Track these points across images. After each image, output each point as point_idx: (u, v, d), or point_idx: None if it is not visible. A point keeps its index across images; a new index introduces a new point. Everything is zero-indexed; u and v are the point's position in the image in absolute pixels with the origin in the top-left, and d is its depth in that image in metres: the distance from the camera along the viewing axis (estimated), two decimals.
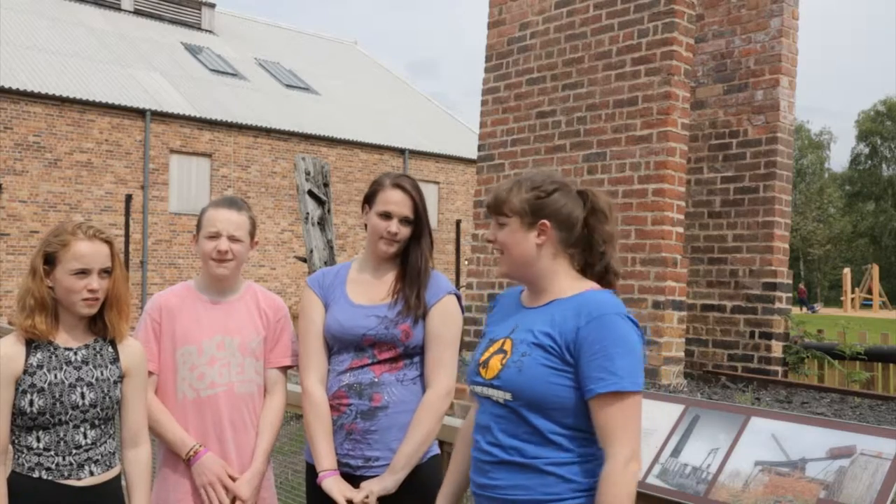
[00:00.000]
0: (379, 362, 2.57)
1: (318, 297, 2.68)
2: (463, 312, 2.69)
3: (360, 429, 2.55)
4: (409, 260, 2.64)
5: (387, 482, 2.48)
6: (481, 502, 2.09)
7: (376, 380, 2.56)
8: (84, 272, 2.34)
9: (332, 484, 2.49)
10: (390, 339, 2.56)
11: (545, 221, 2.04)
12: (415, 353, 2.61)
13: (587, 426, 1.98)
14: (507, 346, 2.04)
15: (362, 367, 2.57)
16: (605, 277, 2.11)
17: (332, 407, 2.59)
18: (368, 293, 2.64)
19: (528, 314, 2.09)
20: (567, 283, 2.08)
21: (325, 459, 2.54)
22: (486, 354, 2.08)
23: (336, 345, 2.63)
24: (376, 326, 2.56)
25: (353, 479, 2.54)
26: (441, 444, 2.80)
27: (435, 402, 2.54)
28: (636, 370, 1.93)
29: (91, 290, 2.35)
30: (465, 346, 5.52)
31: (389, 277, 2.65)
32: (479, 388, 2.09)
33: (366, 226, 2.67)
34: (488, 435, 2.04)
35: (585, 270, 2.11)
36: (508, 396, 1.98)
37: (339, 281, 2.70)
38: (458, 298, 2.67)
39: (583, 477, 1.98)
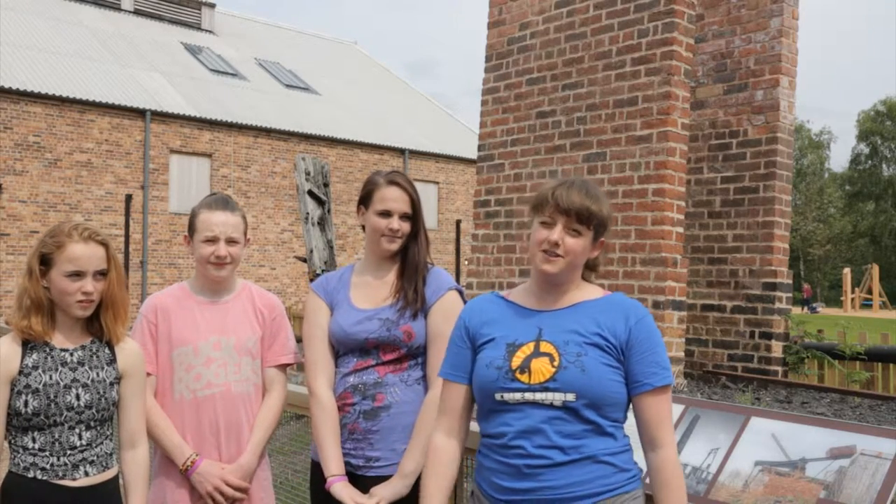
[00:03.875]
0: (383, 363, 2.57)
1: (323, 301, 2.68)
2: None
3: (362, 428, 2.55)
4: (407, 256, 2.64)
5: (398, 487, 2.47)
6: None
7: (380, 380, 2.56)
8: (78, 274, 2.32)
9: (342, 489, 2.48)
10: (392, 341, 2.56)
11: (604, 240, 2.16)
12: (419, 354, 2.60)
13: (624, 418, 2.10)
14: (550, 349, 2.05)
15: (367, 368, 2.57)
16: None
17: (337, 408, 2.60)
18: (371, 296, 2.64)
19: (554, 316, 2.11)
20: (587, 286, 2.19)
21: (334, 464, 2.53)
22: (517, 360, 2.06)
23: (341, 348, 2.63)
24: (378, 329, 2.56)
25: (355, 479, 2.54)
26: None
27: (438, 402, 2.53)
28: (669, 365, 2.11)
29: (85, 293, 2.33)
30: None
31: (391, 277, 2.65)
32: (518, 395, 2.03)
33: (363, 227, 2.67)
34: (539, 438, 2.01)
35: None
36: (571, 397, 1.99)
37: (342, 285, 2.70)
38: (461, 293, 2.66)
39: (630, 464, 2.09)
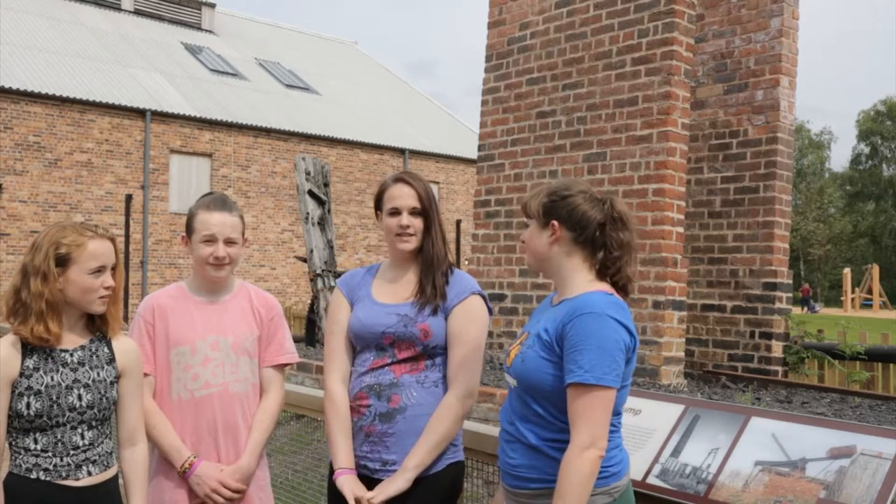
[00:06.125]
0: (399, 362, 2.55)
1: (345, 297, 2.69)
2: (491, 313, 2.67)
3: (378, 431, 2.53)
4: (423, 251, 2.63)
5: (398, 482, 2.46)
6: (504, 478, 2.28)
7: (396, 381, 2.54)
8: (100, 270, 2.38)
9: (345, 483, 2.48)
10: (408, 338, 2.54)
11: (554, 222, 2.25)
12: (436, 354, 2.58)
13: None
14: (524, 339, 2.29)
15: (383, 367, 2.56)
16: (619, 283, 2.25)
17: (353, 408, 2.58)
18: (393, 292, 2.64)
19: (549, 312, 2.29)
20: (580, 284, 2.24)
21: (342, 458, 2.53)
22: (513, 347, 2.33)
23: (359, 344, 2.63)
24: (395, 324, 2.55)
25: (371, 482, 2.52)
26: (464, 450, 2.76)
27: (453, 404, 2.51)
28: (602, 365, 2.06)
29: (107, 287, 2.39)
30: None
31: (413, 276, 2.65)
32: (505, 375, 2.35)
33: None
34: (509, 414, 2.28)
35: (602, 274, 2.26)
36: (514, 383, 2.24)
37: (366, 280, 2.70)
38: (484, 298, 2.64)
39: None
